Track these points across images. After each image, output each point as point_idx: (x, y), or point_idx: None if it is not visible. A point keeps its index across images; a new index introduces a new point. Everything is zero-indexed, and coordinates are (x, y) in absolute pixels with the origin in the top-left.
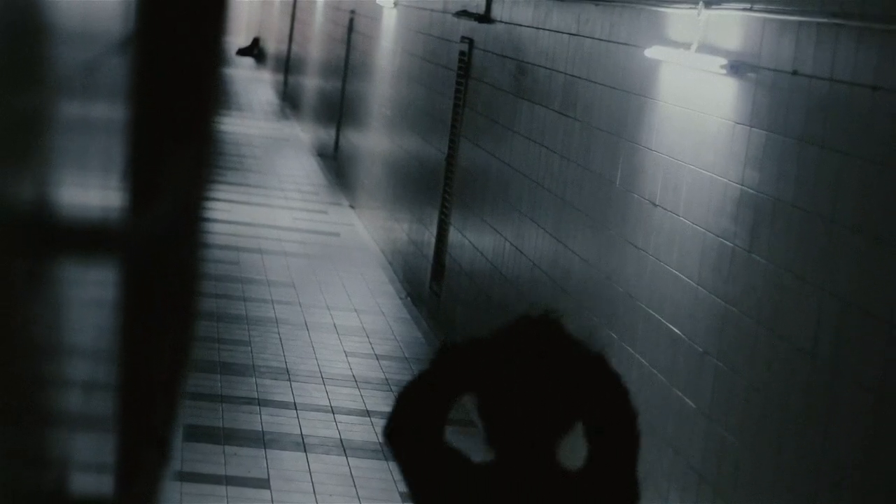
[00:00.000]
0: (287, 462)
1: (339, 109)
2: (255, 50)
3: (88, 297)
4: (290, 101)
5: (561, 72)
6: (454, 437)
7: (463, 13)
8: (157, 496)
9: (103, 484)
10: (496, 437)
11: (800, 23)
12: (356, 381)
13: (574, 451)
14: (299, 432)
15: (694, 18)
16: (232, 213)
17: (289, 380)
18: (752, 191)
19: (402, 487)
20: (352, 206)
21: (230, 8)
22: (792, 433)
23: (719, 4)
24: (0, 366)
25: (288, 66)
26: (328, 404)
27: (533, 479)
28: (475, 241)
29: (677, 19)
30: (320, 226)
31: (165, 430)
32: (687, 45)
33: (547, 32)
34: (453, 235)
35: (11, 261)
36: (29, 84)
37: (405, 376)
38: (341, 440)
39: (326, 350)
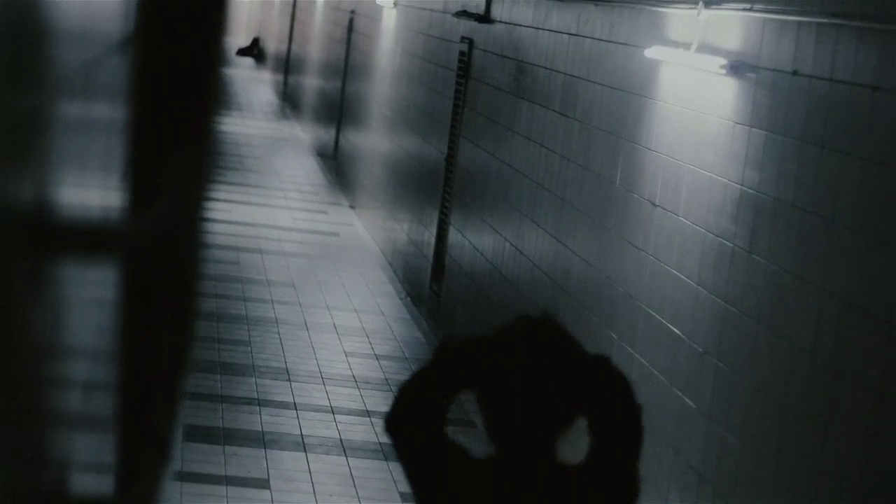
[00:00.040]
0: (287, 462)
1: (338, 109)
2: (255, 50)
3: (88, 297)
4: (289, 101)
5: (561, 72)
6: (454, 434)
7: (463, 13)
8: (157, 496)
9: (103, 484)
10: (497, 431)
11: (800, 23)
12: (356, 381)
13: (575, 445)
14: (299, 432)
15: (694, 18)
16: (232, 213)
17: (289, 380)
18: (752, 191)
19: (403, 487)
20: (352, 207)
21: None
22: (792, 433)
23: (719, 4)
24: (0, 366)
25: (288, 66)
26: (328, 404)
27: (533, 474)
28: (475, 241)
29: (677, 19)
30: (320, 226)
31: (165, 430)
32: (687, 45)
33: (547, 32)
34: (453, 235)
35: (11, 261)
36: (29, 84)
37: (405, 376)
38: (341, 440)
39: (326, 350)
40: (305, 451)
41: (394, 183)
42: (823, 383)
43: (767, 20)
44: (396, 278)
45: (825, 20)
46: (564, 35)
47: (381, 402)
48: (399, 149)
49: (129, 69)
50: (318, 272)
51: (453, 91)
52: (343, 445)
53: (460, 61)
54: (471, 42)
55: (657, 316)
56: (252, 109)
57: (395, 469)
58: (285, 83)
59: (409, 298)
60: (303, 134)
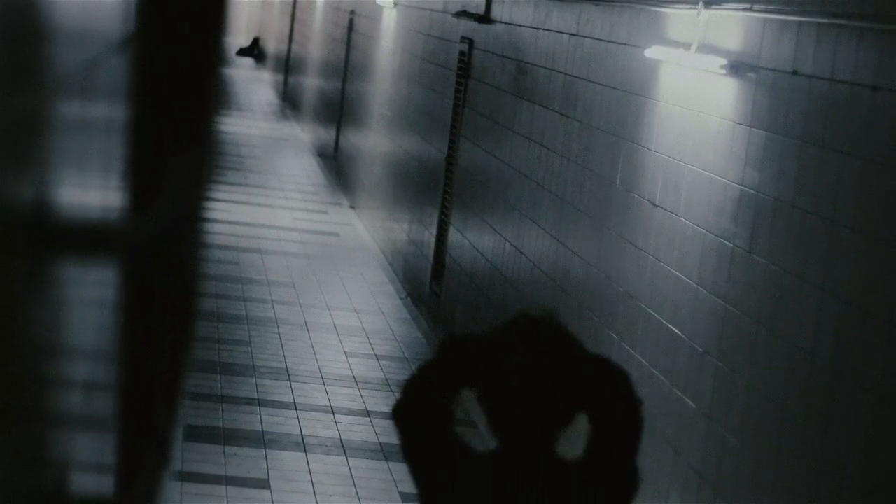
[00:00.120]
0: (287, 462)
1: (339, 109)
2: (255, 50)
3: (88, 297)
4: (290, 101)
5: (561, 72)
6: (458, 429)
7: (463, 13)
8: (157, 496)
9: (103, 484)
10: (498, 426)
11: (800, 23)
12: (356, 382)
13: (576, 441)
14: (299, 432)
15: (694, 18)
16: (232, 214)
17: (289, 380)
18: (752, 191)
19: (403, 487)
20: (352, 207)
21: (230, 8)
22: (792, 433)
23: (719, 4)
24: (0, 366)
25: (288, 66)
26: (328, 404)
27: (534, 468)
28: (475, 241)
29: (677, 19)
30: (320, 226)
31: (166, 430)
32: (687, 45)
33: (547, 33)
34: (453, 235)
35: (11, 261)
36: (29, 84)
37: (405, 376)
38: (341, 440)
39: (326, 350)
40: (305, 451)
41: (394, 183)
42: (823, 383)
43: (767, 20)
44: (396, 278)
45: (825, 20)
46: (564, 35)
47: (382, 402)
48: (399, 149)
49: (129, 69)
50: (319, 272)
51: (453, 91)
52: (343, 445)
53: (460, 61)
54: (471, 42)
55: (657, 316)
56: (252, 109)
57: (396, 469)
58: (285, 83)
59: (409, 298)
60: (303, 134)
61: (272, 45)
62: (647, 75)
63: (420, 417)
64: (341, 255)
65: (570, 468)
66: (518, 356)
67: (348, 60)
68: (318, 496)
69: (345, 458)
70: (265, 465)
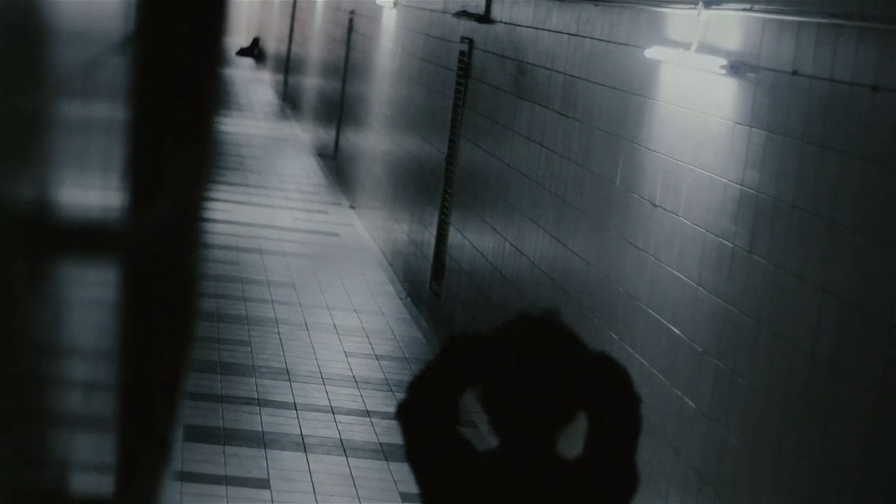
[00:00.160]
0: (287, 462)
1: (339, 109)
2: (255, 50)
3: (88, 297)
4: (290, 101)
5: (561, 72)
6: (460, 427)
7: (463, 13)
8: (157, 496)
9: (103, 484)
10: (500, 425)
11: (800, 23)
12: (356, 382)
13: (575, 439)
14: (299, 432)
15: (694, 18)
16: (232, 213)
17: (289, 380)
18: (752, 191)
19: (403, 487)
20: (352, 207)
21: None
22: (792, 433)
23: (719, 4)
24: (0, 366)
25: (288, 66)
26: (328, 404)
27: (535, 466)
28: (475, 241)
29: (677, 19)
30: (320, 226)
31: (166, 430)
32: (687, 46)
33: (547, 33)
34: (453, 235)
35: (11, 261)
36: (29, 84)
37: (405, 376)
38: (341, 440)
39: (326, 350)
40: (305, 451)
41: (394, 183)
42: (823, 383)
43: (767, 20)
44: (396, 278)
45: (825, 20)
46: (564, 35)
47: (382, 402)
48: (399, 149)
49: (130, 69)
50: (318, 272)
51: (453, 91)
52: (343, 445)
53: (460, 61)
54: (471, 42)
55: (657, 316)
56: (252, 109)
57: (396, 469)
58: (285, 83)
59: (409, 298)
60: (303, 134)
61: (272, 45)
62: (647, 75)
63: (424, 417)
64: (341, 255)
65: (570, 467)
66: (519, 355)
67: (348, 60)
68: (318, 496)
69: (345, 458)
70: (265, 465)
